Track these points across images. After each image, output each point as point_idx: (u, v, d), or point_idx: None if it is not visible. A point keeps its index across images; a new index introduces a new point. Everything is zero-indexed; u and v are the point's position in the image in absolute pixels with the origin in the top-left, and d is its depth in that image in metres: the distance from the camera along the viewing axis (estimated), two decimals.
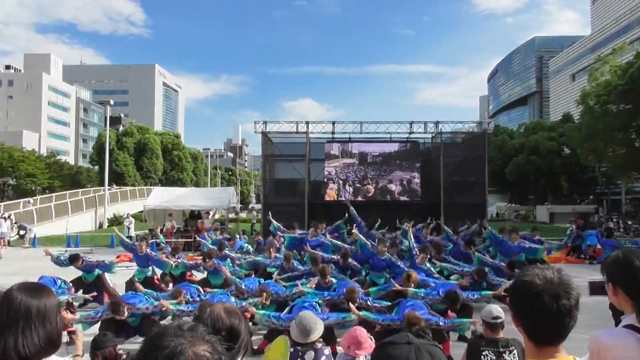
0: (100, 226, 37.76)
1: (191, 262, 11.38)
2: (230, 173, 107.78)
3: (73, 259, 10.36)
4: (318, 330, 4.26)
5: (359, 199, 23.26)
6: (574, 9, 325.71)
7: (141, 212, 29.51)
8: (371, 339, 4.10)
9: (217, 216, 32.07)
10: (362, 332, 4.08)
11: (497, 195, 59.60)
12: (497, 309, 4.32)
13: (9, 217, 25.03)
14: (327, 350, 4.25)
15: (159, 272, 11.32)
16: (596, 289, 2.43)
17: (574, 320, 1.64)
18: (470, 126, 24.98)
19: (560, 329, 1.64)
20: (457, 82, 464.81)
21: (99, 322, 7.25)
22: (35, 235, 25.97)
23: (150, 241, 21.72)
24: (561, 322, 1.62)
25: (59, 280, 9.16)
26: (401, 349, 1.35)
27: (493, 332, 4.20)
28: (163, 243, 14.44)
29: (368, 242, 10.67)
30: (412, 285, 7.83)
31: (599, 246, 18.10)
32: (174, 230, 22.74)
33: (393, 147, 24.14)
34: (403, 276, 8.14)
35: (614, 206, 54.78)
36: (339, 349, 4.51)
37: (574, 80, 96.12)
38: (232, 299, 7.65)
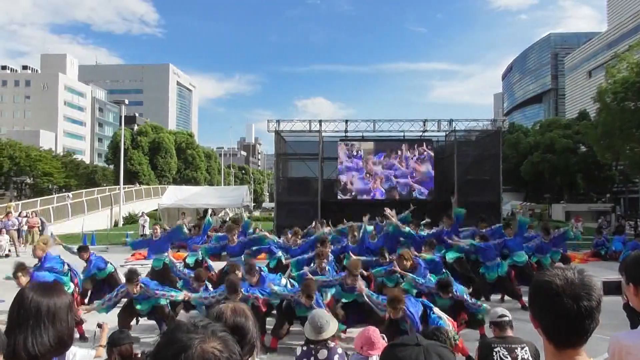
0: (116, 224, 38.08)
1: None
2: (243, 172, 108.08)
3: (82, 249, 9.81)
4: (331, 327, 4.27)
5: (372, 197, 23.22)
6: (590, 4, 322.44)
7: (156, 210, 29.74)
8: (384, 339, 4.10)
9: (230, 214, 32.18)
10: (374, 333, 4.08)
11: (512, 194, 58.97)
12: (501, 309, 4.59)
13: (25, 215, 25.28)
14: (340, 349, 4.26)
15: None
16: (610, 288, 2.40)
17: (595, 322, 1.61)
18: (485, 124, 24.79)
19: (581, 331, 1.60)
20: (471, 79, 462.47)
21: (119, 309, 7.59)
22: (52, 233, 26.25)
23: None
24: (581, 324, 1.59)
25: (66, 265, 8.92)
26: (410, 350, 1.34)
27: (502, 331, 4.32)
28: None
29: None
30: (409, 264, 7.95)
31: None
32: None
33: (406, 146, 24.05)
34: (398, 256, 8.35)
35: (631, 205, 54.05)
36: (351, 347, 4.52)
37: (590, 77, 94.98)
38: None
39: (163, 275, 10.08)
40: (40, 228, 25.64)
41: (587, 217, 36.13)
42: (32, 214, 25.39)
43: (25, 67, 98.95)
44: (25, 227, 23.29)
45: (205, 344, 1.15)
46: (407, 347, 1.36)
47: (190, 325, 1.22)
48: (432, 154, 24.14)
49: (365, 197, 23.37)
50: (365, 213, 11.32)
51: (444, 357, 1.34)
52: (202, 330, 1.19)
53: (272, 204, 35.59)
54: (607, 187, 53.46)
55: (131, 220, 39.13)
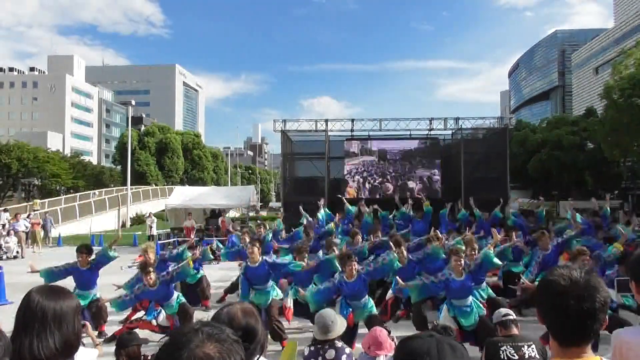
0: (123, 225, 38.27)
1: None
2: (250, 172, 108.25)
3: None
4: (338, 326, 4.27)
5: (378, 196, 23.20)
6: (597, 1, 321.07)
7: (163, 211, 29.86)
8: (392, 339, 4.11)
9: (236, 214, 32.26)
10: (382, 333, 4.09)
11: (520, 192, 58.78)
12: (504, 309, 4.73)
13: (28, 216, 25.42)
14: (348, 350, 4.26)
15: None
16: (623, 286, 2.42)
17: (599, 322, 1.62)
18: (491, 122, 24.66)
19: (583, 331, 1.62)
20: (478, 77, 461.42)
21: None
22: (60, 235, 26.43)
23: (174, 239, 22.02)
24: (583, 325, 1.61)
25: None
26: (423, 341, 1.37)
27: (507, 330, 4.37)
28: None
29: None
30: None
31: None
32: (194, 230, 22.90)
33: (413, 144, 23.99)
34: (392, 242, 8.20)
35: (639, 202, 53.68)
36: (358, 345, 4.53)
37: (597, 74, 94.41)
38: None
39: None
40: (47, 228, 25.80)
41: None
42: (34, 214, 25.53)
43: (32, 69, 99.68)
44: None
45: (199, 348, 1.15)
46: (420, 339, 1.40)
47: (191, 328, 1.22)
48: (439, 152, 24.09)
49: (372, 196, 23.35)
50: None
51: (457, 349, 1.37)
52: (200, 333, 1.19)
53: (279, 204, 35.63)
54: (615, 184, 53.15)
55: (139, 221, 39.33)
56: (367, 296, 6.99)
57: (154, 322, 7.49)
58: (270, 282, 7.56)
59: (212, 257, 11.06)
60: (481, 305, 6.93)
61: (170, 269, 8.03)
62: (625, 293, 5.44)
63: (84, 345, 2.34)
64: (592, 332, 1.62)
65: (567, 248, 9.29)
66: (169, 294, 7.60)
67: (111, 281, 8.34)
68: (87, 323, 3.31)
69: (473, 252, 7.51)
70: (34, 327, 1.87)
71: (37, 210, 31.27)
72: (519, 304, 8.68)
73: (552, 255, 9.31)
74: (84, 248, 8.11)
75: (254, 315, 1.94)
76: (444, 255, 7.92)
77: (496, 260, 7.20)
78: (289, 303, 8.11)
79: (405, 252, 7.56)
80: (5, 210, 26.20)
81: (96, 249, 9.89)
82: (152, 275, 7.30)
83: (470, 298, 6.74)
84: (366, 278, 6.93)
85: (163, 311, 7.53)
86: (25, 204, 38.22)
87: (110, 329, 7.85)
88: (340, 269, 7.60)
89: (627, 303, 6.23)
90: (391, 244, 7.98)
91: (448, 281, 6.65)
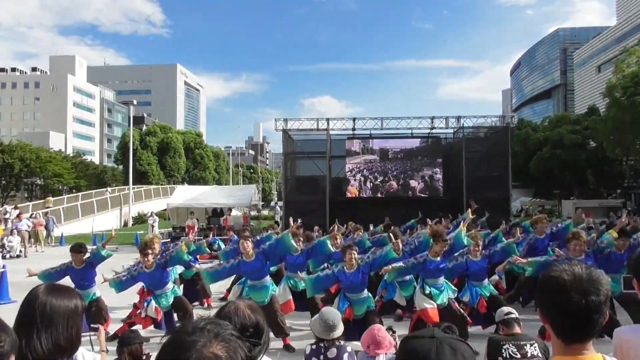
0: (125, 224, 38.31)
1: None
2: (251, 171, 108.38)
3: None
4: (341, 326, 4.27)
5: (380, 195, 23.21)
6: None
7: (165, 210, 29.86)
8: (393, 332, 4.11)
9: (239, 213, 32.26)
10: (380, 331, 4.08)
11: (521, 190, 58.69)
12: (507, 308, 4.69)
13: (30, 215, 25.44)
14: (350, 348, 4.26)
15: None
16: (630, 284, 2.43)
17: (603, 316, 1.61)
18: (493, 120, 24.63)
19: (589, 326, 1.61)
20: (479, 76, 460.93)
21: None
22: (62, 234, 26.46)
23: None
24: (589, 319, 1.59)
25: None
26: (423, 342, 1.36)
27: (509, 328, 4.34)
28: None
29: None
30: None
31: None
32: (196, 229, 22.90)
33: (414, 143, 23.99)
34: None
35: None
36: (358, 344, 4.53)
37: (600, 72, 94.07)
38: None
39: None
40: (49, 228, 25.82)
41: (598, 213, 35.80)
42: (37, 215, 25.56)
43: (34, 69, 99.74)
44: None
45: (206, 348, 1.11)
46: (421, 339, 1.39)
47: (195, 326, 1.19)
48: (441, 151, 24.09)
49: (373, 195, 23.36)
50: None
51: (457, 349, 1.35)
52: (206, 332, 1.16)
53: (280, 203, 35.67)
54: (617, 182, 53.05)
55: (140, 220, 39.37)
56: (366, 291, 7.04)
57: (142, 314, 7.51)
58: (268, 277, 7.56)
59: (208, 250, 11.10)
60: (451, 285, 7.61)
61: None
62: (630, 291, 5.46)
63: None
64: (596, 326, 1.61)
65: (560, 238, 9.22)
66: (163, 278, 7.71)
67: None
68: (101, 328, 3.18)
69: (477, 248, 7.79)
70: (27, 326, 1.81)
71: (50, 207, 31.41)
72: (509, 299, 8.69)
73: (544, 242, 9.39)
74: (77, 246, 8.11)
75: (259, 312, 1.93)
76: None
77: (467, 240, 7.74)
78: (288, 295, 8.21)
79: (400, 245, 7.81)
80: (15, 208, 26.26)
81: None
82: (150, 257, 7.53)
83: (442, 278, 7.36)
84: (365, 271, 6.99)
85: (152, 302, 7.55)
86: (28, 203, 38.23)
87: (112, 328, 7.87)
88: (333, 250, 8.35)
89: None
90: (390, 235, 8.38)
91: (425, 262, 7.17)
